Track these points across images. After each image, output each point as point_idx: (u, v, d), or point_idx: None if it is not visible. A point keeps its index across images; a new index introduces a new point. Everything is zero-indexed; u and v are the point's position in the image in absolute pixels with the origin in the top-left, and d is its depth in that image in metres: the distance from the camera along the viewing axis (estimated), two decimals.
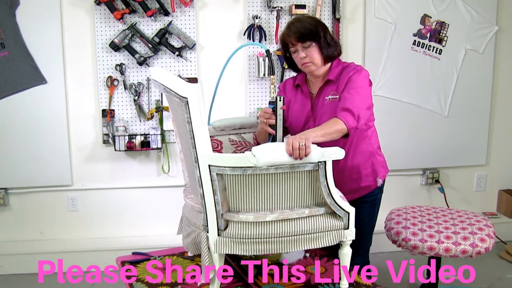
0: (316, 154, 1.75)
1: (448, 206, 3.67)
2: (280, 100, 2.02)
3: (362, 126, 2.13)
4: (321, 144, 1.81)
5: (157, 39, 3.22)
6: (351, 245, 1.90)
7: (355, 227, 1.87)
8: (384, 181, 2.37)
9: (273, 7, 3.30)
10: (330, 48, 2.18)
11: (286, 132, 2.33)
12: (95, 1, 3.13)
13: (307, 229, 1.80)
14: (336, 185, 1.84)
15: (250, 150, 1.71)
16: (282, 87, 2.39)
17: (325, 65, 2.22)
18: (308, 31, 2.14)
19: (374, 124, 2.32)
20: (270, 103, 2.08)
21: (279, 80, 3.38)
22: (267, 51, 2.15)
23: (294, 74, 2.39)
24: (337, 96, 2.17)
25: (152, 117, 3.32)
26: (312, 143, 1.77)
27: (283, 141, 2.01)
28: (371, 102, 2.18)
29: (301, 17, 2.50)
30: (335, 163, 1.79)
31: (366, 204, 2.32)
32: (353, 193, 2.26)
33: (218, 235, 1.78)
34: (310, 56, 2.16)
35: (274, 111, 2.05)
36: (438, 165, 3.77)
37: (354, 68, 2.19)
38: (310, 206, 1.83)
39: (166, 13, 3.20)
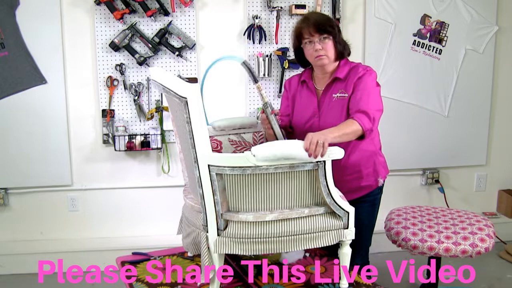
0: None
1: (448, 206, 3.67)
2: (267, 107, 2.04)
3: None
4: None
5: (157, 39, 3.22)
6: (351, 245, 1.90)
7: (355, 227, 1.88)
8: (384, 181, 2.37)
9: (273, 7, 3.29)
10: (342, 45, 2.22)
11: (291, 133, 2.33)
12: (95, 1, 3.13)
13: (306, 228, 1.80)
14: (337, 184, 1.85)
15: (250, 150, 1.71)
16: (288, 84, 2.39)
17: (335, 62, 2.24)
18: (327, 21, 2.18)
19: None
20: (262, 111, 2.11)
21: (279, 80, 3.38)
22: (244, 62, 2.15)
23: (294, 74, 2.38)
24: (346, 95, 2.17)
25: (152, 117, 3.32)
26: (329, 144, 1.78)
27: None
28: (382, 104, 2.19)
29: (315, 11, 2.50)
30: (336, 161, 1.80)
31: (366, 204, 2.32)
32: (354, 192, 2.26)
33: (218, 235, 1.78)
34: (325, 49, 2.18)
35: (267, 117, 2.07)
36: (438, 165, 3.77)
37: (364, 68, 2.21)
38: (310, 205, 1.83)
39: (166, 13, 3.20)
